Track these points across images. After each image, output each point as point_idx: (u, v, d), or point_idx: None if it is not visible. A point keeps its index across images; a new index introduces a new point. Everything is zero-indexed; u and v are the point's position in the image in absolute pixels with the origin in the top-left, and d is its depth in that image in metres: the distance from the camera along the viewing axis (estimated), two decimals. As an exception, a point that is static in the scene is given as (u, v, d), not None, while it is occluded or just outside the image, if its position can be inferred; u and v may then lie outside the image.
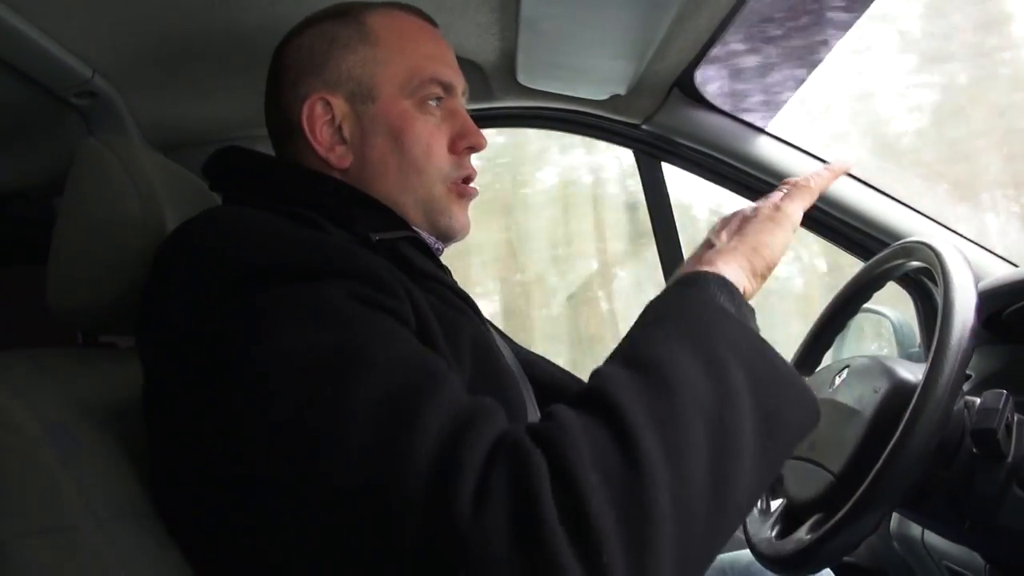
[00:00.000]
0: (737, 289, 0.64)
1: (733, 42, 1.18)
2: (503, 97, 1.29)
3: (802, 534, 0.76)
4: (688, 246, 1.43)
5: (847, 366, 0.86)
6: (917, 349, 1.30)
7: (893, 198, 1.27)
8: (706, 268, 0.65)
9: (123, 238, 0.75)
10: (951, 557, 0.97)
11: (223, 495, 0.57)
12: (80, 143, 0.78)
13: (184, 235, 0.66)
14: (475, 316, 0.75)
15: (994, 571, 0.81)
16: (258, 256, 0.60)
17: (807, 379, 0.96)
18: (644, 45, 1.09)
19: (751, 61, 1.26)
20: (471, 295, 0.79)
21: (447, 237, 0.82)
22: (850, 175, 1.27)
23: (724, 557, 1.03)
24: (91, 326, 0.84)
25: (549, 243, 2.85)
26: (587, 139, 1.46)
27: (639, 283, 2.73)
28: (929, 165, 2.45)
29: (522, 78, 1.22)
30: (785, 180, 0.76)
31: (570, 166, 2.79)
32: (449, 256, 0.85)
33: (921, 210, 1.26)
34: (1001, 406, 0.72)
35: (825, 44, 1.24)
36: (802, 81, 1.31)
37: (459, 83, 0.82)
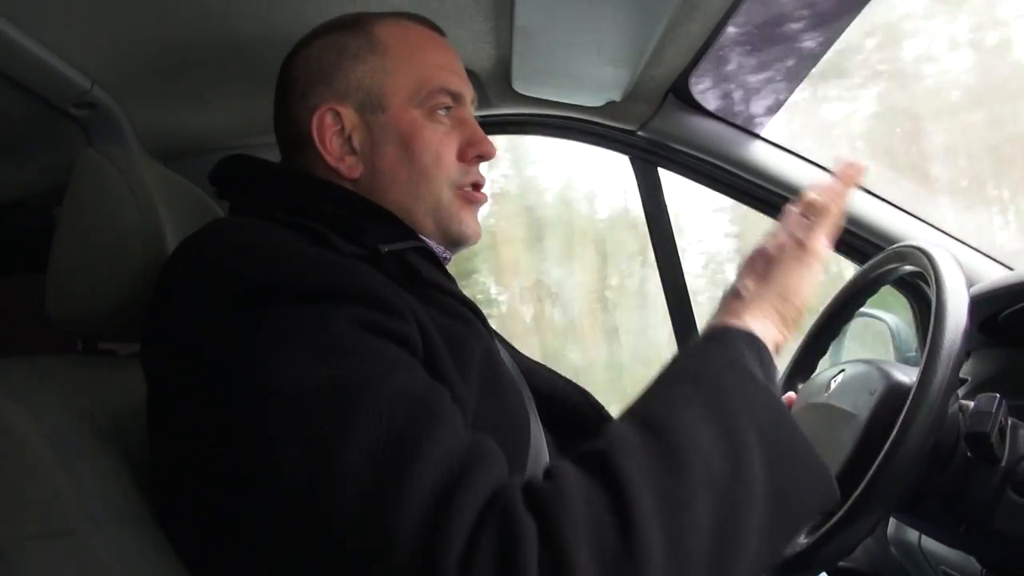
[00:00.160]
0: (765, 347, 0.63)
1: (727, 47, 1.19)
2: (499, 104, 1.29)
3: (799, 538, 0.77)
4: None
5: (842, 370, 0.87)
6: (914, 353, 1.30)
7: (888, 202, 1.27)
8: (734, 322, 0.64)
9: (122, 247, 0.75)
10: (948, 562, 0.97)
11: (218, 513, 0.57)
12: (80, 154, 0.79)
13: (190, 249, 0.66)
14: (481, 327, 0.75)
15: (990, 575, 0.81)
16: (264, 274, 0.60)
17: (802, 385, 0.97)
18: (638, 51, 1.10)
19: (745, 66, 1.26)
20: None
21: (458, 243, 0.82)
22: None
23: None
24: (91, 334, 0.84)
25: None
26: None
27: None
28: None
29: (518, 85, 1.23)
30: (805, 199, 0.72)
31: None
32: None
33: (916, 214, 1.27)
34: (994, 410, 0.72)
35: (819, 49, 1.24)
36: (796, 85, 1.32)
37: (468, 92, 0.83)
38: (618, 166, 1.41)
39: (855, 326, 1.34)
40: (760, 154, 1.29)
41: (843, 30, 1.18)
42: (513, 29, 1.04)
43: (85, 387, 0.69)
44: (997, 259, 1.23)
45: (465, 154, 0.80)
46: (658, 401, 0.58)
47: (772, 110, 1.31)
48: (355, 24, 0.81)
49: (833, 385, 0.86)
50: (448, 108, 0.80)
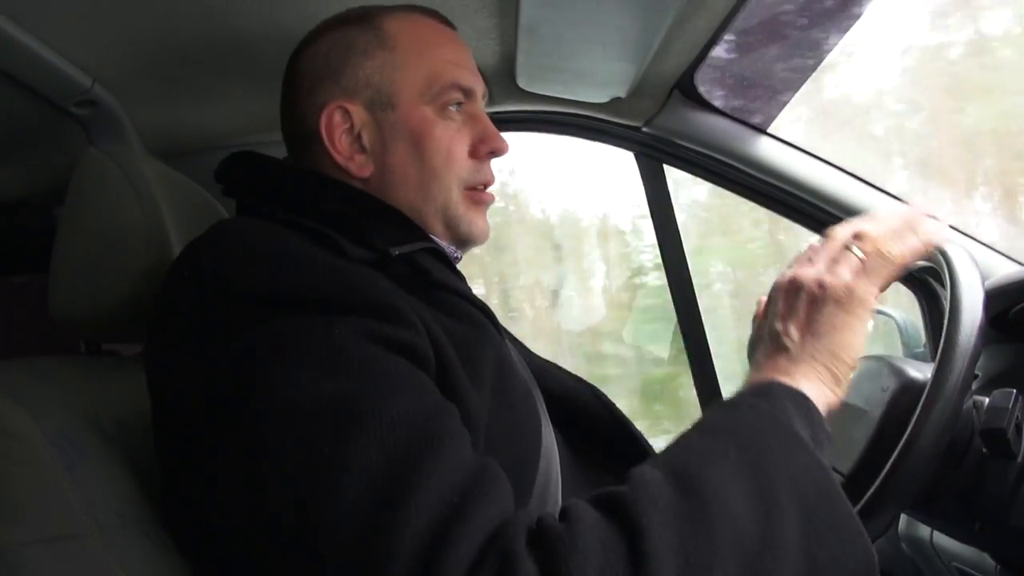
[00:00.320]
0: (816, 408, 0.59)
1: (733, 43, 1.18)
2: (503, 101, 1.28)
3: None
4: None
5: (854, 366, 0.86)
6: (923, 349, 1.29)
7: (897, 197, 1.27)
8: (782, 379, 0.60)
9: (125, 247, 0.75)
10: (960, 558, 0.96)
11: (217, 521, 0.56)
12: (81, 153, 0.78)
13: (196, 254, 0.65)
14: (492, 329, 0.73)
15: (1004, 572, 0.81)
16: (270, 283, 0.59)
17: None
18: (643, 48, 1.09)
19: (751, 62, 1.25)
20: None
21: (467, 243, 0.81)
22: (850, 173, 1.27)
23: None
24: (93, 334, 0.84)
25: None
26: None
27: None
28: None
29: (522, 82, 1.22)
30: (861, 231, 0.65)
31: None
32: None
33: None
34: (1011, 405, 0.71)
35: (825, 44, 1.23)
36: (804, 81, 1.31)
37: (479, 87, 0.81)
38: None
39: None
40: (766, 150, 1.28)
41: (851, 25, 1.18)
42: (518, 26, 1.03)
43: (88, 389, 0.69)
44: (1008, 255, 1.22)
45: (477, 151, 0.79)
46: (692, 452, 0.54)
47: (779, 106, 1.30)
48: (363, 19, 0.79)
49: (844, 382, 0.85)
50: (459, 104, 0.79)
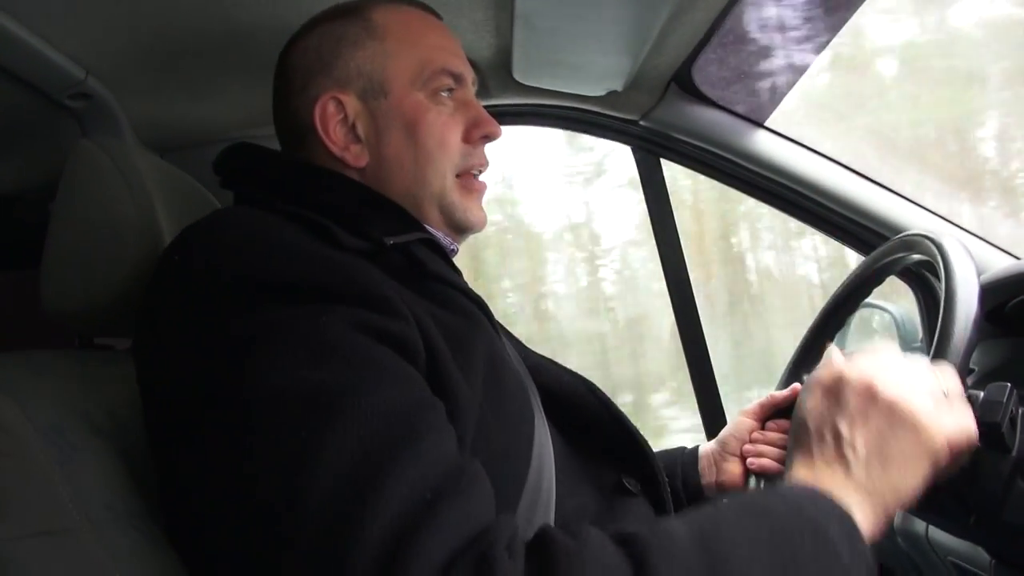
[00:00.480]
0: (860, 535, 0.55)
1: (730, 36, 1.17)
2: (500, 95, 1.28)
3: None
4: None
5: (849, 361, 0.86)
6: (920, 344, 1.29)
7: (893, 191, 1.26)
8: (836, 493, 0.57)
9: (118, 240, 0.74)
10: (956, 552, 0.96)
11: (204, 510, 0.56)
12: (74, 145, 0.78)
13: (189, 240, 0.65)
14: (487, 322, 0.73)
15: (999, 566, 0.80)
16: (260, 271, 0.59)
17: (807, 376, 0.96)
18: (640, 41, 1.08)
19: (749, 55, 1.25)
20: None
21: (464, 230, 0.81)
22: (847, 167, 1.26)
23: None
24: (86, 328, 0.83)
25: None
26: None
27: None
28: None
29: (518, 75, 1.22)
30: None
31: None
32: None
33: (921, 203, 1.26)
34: (1005, 399, 0.71)
35: (822, 37, 1.23)
36: (800, 75, 1.30)
37: (469, 73, 0.82)
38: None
39: (859, 317, 1.33)
40: (764, 144, 1.27)
41: (848, 18, 1.17)
42: (514, 18, 1.03)
43: (81, 382, 0.68)
44: (1003, 248, 1.22)
45: (470, 135, 0.79)
46: (726, 523, 0.54)
47: (776, 99, 1.30)
48: (352, 11, 0.80)
49: (840, 376, 0.85)
50: (450, 90, 0.79)
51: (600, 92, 1.26)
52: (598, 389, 0.85)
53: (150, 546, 0.60)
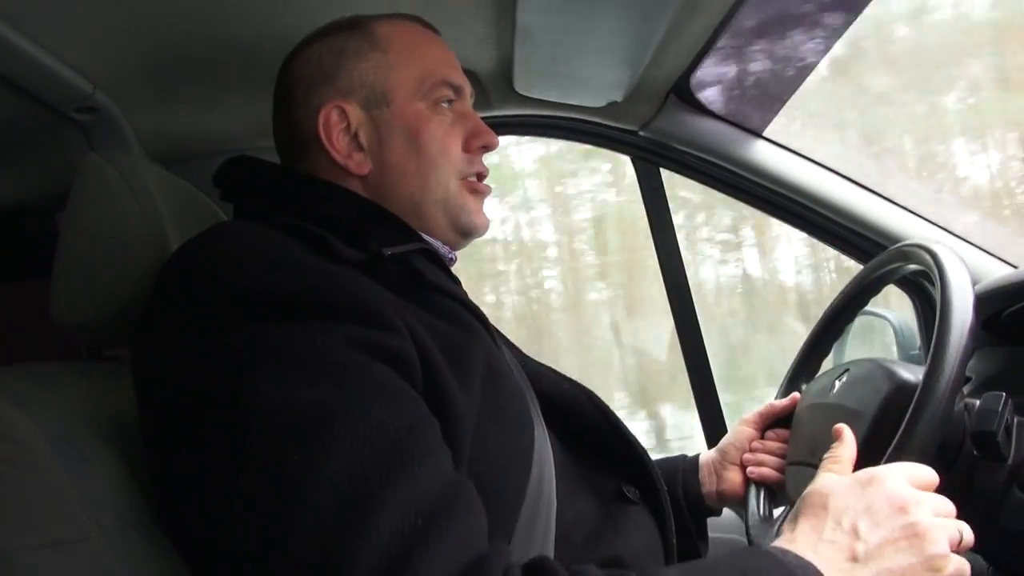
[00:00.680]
0: None
1: (728, 48, 1.18)
2: (501, 106, 1.29)
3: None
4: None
5: (847, 369, 0.86)
6: (918, 351, 1.30)
7: (892, 201, 1.27)
8: (829, 574, 0.58)
9: (125, 252, 0.75)
10: (954, 559, 0.97)
11: (203, 523, 0.57)
12: (82, 159, 0.79)
13: (187, 255, 0.66)
14: (485, 331, 0.74)
15: (997, 573, 0.81)
16: (257, 287, 0.60)
17: (806, 385, 0.97)
18: (639, 52, 1.10)
19: (747, 66, 1.26)
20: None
21: (468, 234, 0.82)
22: (846, 176, 1.27)
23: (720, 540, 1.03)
24: (94, 340, 0.84)
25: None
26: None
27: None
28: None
29: (519, 87, 1.23)
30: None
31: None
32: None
33: (920, 212, 1.27)
34: (1000, 408, 0.72)
35: (820, 48, 1.24)
36: (799, 84, 1.32)
37: (467, 86, 0.84)
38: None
39: (858, 325, 1.33)
40: (763, 154, 1.28)
41: (845, 29, 1.18)
42: (515, 30, 1.04)
43: (89, 393, 0.69)
44: (1001, 257, 1.23)
45: (470, 145, 0.81)
46: None
47: (775, 109, 1.31)
48: (353, 25, 0.81)
49: (838, 385, 0.86)
50: (450, 101, 0.81)
51: (600, 103, 1.27)
52: (597, 397, 0.86)
53: (160, 555, 0.60)
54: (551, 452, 0.74)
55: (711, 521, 0.96)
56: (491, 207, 0.86)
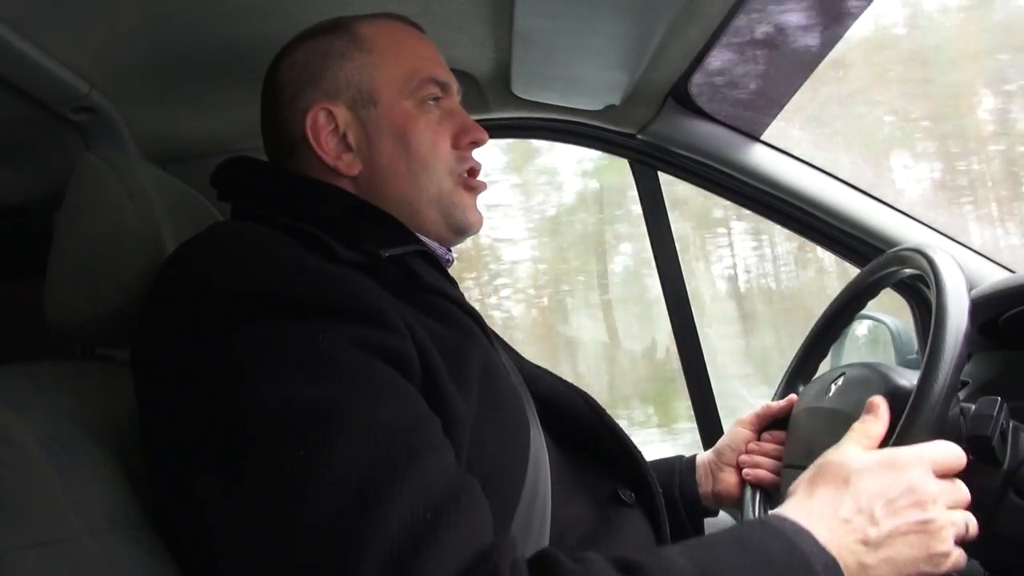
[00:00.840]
0: None
1: (726, 51, 1.18)
2: (498, 108, 1.29)
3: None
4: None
5: (843, 373, 0.86)
6: (915, 356, 1.30)
7: (889, 205, 1.27)
8: (834, 550, 0.58)
9: (120, 252, 0.75)
10: (950, 564, 0.96)
11: (202, 524, 0.57)
12: (79, 159, 0.79)
13: (187, 255, 0.66)
14: (481, 333, 0.74)
15: (992, 578, 0.81)
16: (258, 286, 0.60)
17: (803, 388, 0.97)
18: (637, 55, 1.10)
19: (745, 69, 1.26)
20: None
21: (462, 232, 0.82)
22: (844, 181, 1.27)
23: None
24: (88, 339, 0.84)
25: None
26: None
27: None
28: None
29: (517, 89, 1.23)
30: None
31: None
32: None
33: (917, 216, 1.27)
34: (996, 413, 0.71)
35: (819, 51, 1.24)
36: (797, 88, 1.32)
37: (453, 83, 0.84)
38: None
39: (856, 328, 1.33)
40: (761, 158, 1.28)
41: (843, 33, 1.18)
42: (512, 33, 1.04)
43: (81, 393, 0.69)
44: (997, 261, 1.23)
45: (459, 141, 0.81)
46: (721, 554, 0.56)
47: (772, 113, 1.31)
48: (337, 26, 0.81)
49: (834, 388, 0.85)
50: (436, 99, 0.81)
51: (598, 106, 1.27)
52: (594, 400, 0.86)
53: (150, 557, 0.60)
54: (547, 454, 0.74)
55: (708, 522, 0.97)
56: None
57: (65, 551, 0.55)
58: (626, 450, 0.83)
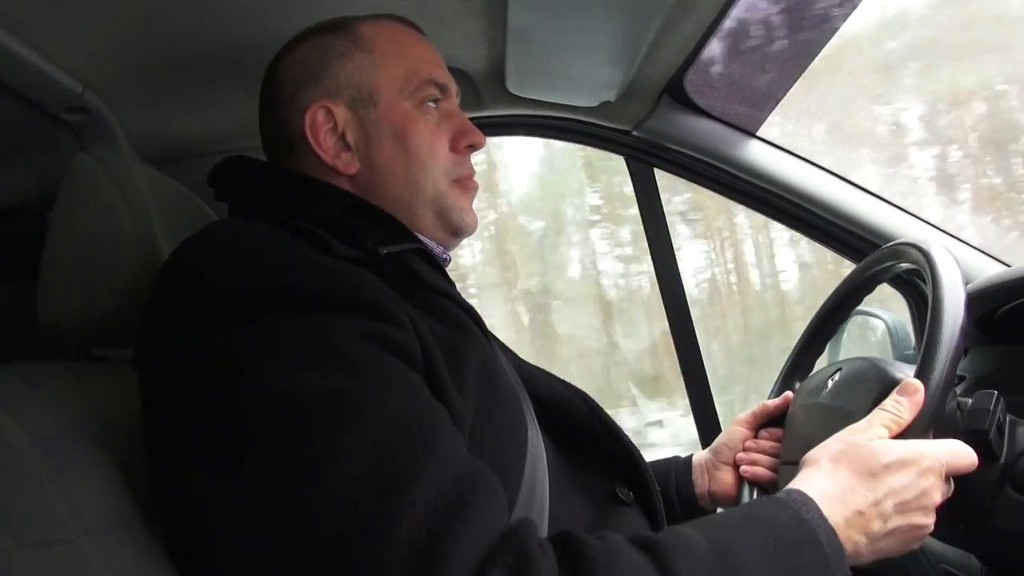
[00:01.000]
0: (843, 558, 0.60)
1: (721, 47, 1.18)
2: (493, 106, 1.29)
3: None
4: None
5: (840, 369, 0.86)
6: (912, 351, 1.30)
7: (885, 200, 1.27)
8: (841, 528, 0.61)
9: (114, 252, 0.75)
10: (947, 559, 0.96)
11: (209, 523, 0.56)
12: (71, 159, 0.78)
13: (188, 253, 0.65)
14: (479, 332, 0.74)
15: (990, 573, 0.81)
16: (263, 281, 0.60)
17: (799, 384, 0.97)
18: (632, 52, 1.09)
19: (740, 65, 1.26)
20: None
21: (458, 233, 0.82)
22: (838, 176, 1.27)
23: None
24: (82, 340, 0.84)
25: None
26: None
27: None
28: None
29: (512, 86, 1.22)
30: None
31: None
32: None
33: (913, 211, 1.27)
34: (992, 407, 0.72)
35: (813, 47, 1.24)
36: (792, 83, 1.32)
37: (452, 85, 0.84)
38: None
39: (852, 324, 1.33)
40: (756, 153, 1.28)
41: (837, 28, 1.18)
42: (506, 30, 1.04)
43: (76, 394, 0.69)
44: (994, 256, 1.23)
45: (457, 144, 0.81)
46: (739, 533, 0.58)
47: (768, 108, 1.31)
48: (338, 26, 0.82)
49: (831, 384, 0.85)
50: (436, 101, 0.81)
51: (593, 103, 1.27)
52: (591, 399, 0.86)
53: (146, 557, 0.60)
54: (544, 453, 0.73)
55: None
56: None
57: (61, 552, 0.55)
58: (624, 449, 0.82)
